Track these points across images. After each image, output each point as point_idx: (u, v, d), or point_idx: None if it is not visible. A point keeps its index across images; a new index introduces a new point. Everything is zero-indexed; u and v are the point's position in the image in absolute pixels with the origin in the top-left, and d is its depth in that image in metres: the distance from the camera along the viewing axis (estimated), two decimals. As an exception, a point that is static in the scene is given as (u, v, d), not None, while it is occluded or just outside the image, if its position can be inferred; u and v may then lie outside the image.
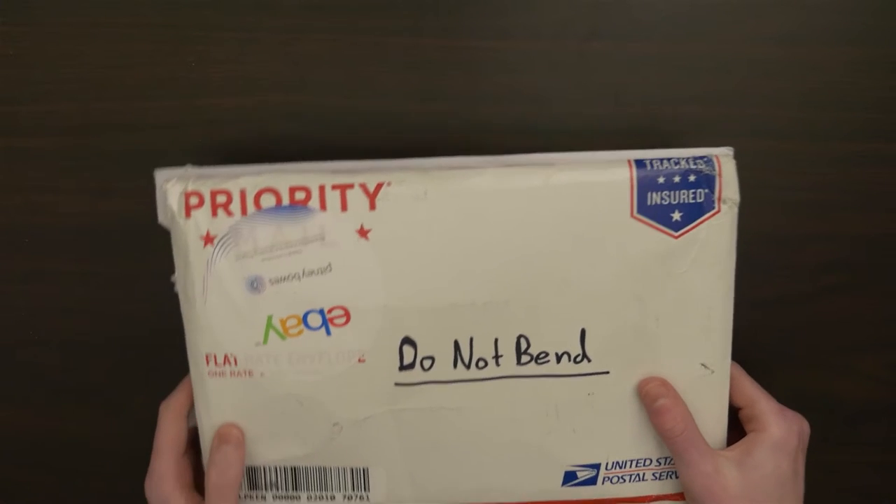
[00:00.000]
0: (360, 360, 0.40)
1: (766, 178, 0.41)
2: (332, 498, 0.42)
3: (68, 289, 0.45)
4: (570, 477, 0.41)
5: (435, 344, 0.39)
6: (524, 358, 0.39)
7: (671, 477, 0.42)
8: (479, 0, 0.41)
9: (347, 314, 0.39)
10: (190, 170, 0.39)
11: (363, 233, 0.38)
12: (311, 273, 0.39)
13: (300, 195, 0.38)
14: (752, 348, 0.45)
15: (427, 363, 0.40)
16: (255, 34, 0.42)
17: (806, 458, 0.47)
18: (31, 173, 0.44)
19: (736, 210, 0.39)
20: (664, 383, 0.40)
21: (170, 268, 0.40)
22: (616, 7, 0.41)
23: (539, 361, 0.40)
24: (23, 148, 0.43)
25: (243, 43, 0.42)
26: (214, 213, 0.38)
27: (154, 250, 0.43)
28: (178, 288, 0.40)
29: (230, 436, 0.40)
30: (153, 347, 0.42)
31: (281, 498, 0.42)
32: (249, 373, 0.40)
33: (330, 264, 0.39)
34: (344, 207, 0.38)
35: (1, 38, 0.42)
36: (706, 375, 0.41)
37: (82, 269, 0.45)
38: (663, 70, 0.42)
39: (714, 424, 0.41)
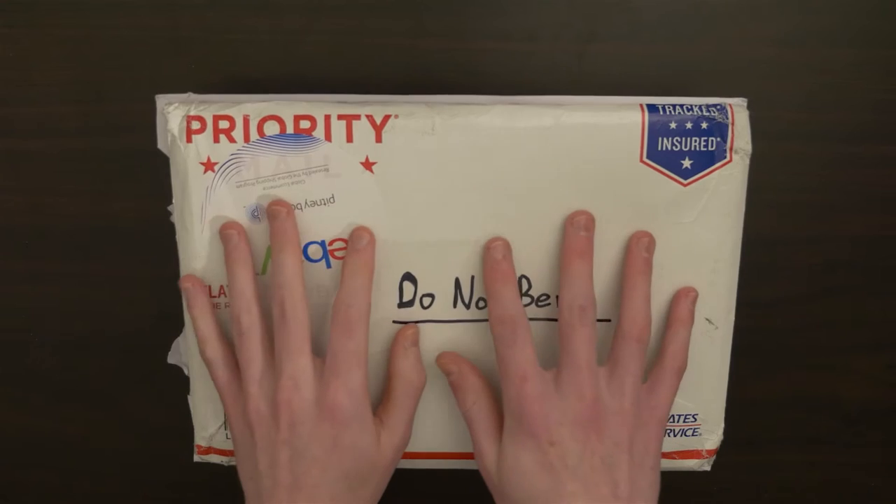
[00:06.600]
0: (358, 296, 0.39)
1: (765, 179, 0.41)
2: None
3: (69, 290, 0.45)
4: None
5: (436, 281, 0.39)
6: (525, 300, 0.39)
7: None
8: (480, 1, 0.41)
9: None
10: (192, 96, 0.39)
11: (368, 165, 0.38)
12: (314, 204, 0.38)
13: (305, 124, 0.37)
14: (752, 349, 0.45)
15: (427, 301, 0.39)
16: (255, 36, 0.42)
17: (805, 458, 0.47)
18: (31, 175, 0.44)
19: (747, 161, 0.38)
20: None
21: (171, 268, 0.40)
22: (616, 9, 0.41)
23: (540, 304, 0.39)
24: (23, 149, 0.43)
25: (243, 45, 0.42)
26: (216, 139, 0.38)
27: (154, 251, 0.43)
28: (175, 217, 0.39)
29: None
30: (153, 348, 0.42)
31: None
32: (245, 305, 0.39)
33: (333, 195, 0.38)
34: (349, 138, 0.37)
35: (1, 40, 0.42)
36: (710, 331, 0.40)
37: (83, 270, 0.45)
38: (663, 72, 0.42)
39: (716, 382, 0.41)
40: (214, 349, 0.38)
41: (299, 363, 0.36)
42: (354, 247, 0.38)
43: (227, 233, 0.38)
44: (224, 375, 0.38)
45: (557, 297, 0.39)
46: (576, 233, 0.37)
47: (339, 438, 0.36)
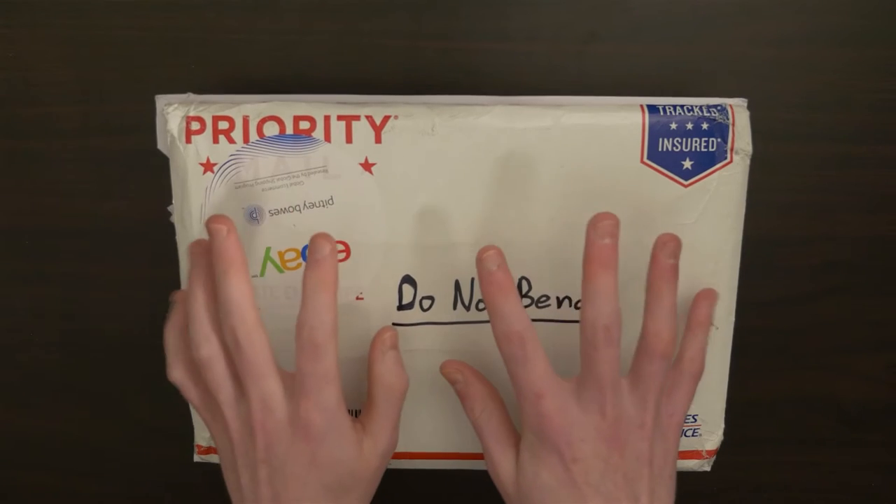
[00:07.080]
0: (357, 298, 0.39)
1: (765, 179, 0.41)
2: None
3: (69, 290, 0.45)
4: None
5: (435, 283, 0.39)
6: (525, 301, 0.39)
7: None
8: (479, 2, 0.41)
9: (347, 249, 0.38)
10: (192, 96, 0.39)
11: (367, 166, 0.38)
12: (312, 205, 0.38)
13: (304, 125, 0.37)
14: (752, 349, 0.45)
15: (426, 303, 0.39)
16: (255, 36, 0.42)
17: (805, 458, 0.47)
18: (31, 175, 0.44)
19: (748, 162, 0.38)
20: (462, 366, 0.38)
21: (171, 268, 0.40)
22: (615, 9, 0.41)
23: (540, 305, 0.39)
24: (23, 150, 0.43)
25: (243, 45, 0.42)
26: (216, 140, 0.37)
27: (154, 251, 0.44)
28: (175, 217, 0.39)
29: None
30: (153, 348, 0.42)
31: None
32: (244, 306, 0.39)
33: (332, 197, 0.38)
34: (349, 139, 0.37)
35: (1, 40, 0.42)
36: (710, 331, 0.40)
37: (83, 271, 0.45)
38: (663, 72, 0.42)
39: (716, 383, 0.41)
40: (178, 372, 0.38)
41: (266, 387, 0.35)
42: (313, 258, 0.35)
43: (193, 250, 0.36)
44: (195, 395, 0.38)
45: (558, 297, 0.39)
46: (599, 240, 0.34)
47: (316, 454, 0.35)
